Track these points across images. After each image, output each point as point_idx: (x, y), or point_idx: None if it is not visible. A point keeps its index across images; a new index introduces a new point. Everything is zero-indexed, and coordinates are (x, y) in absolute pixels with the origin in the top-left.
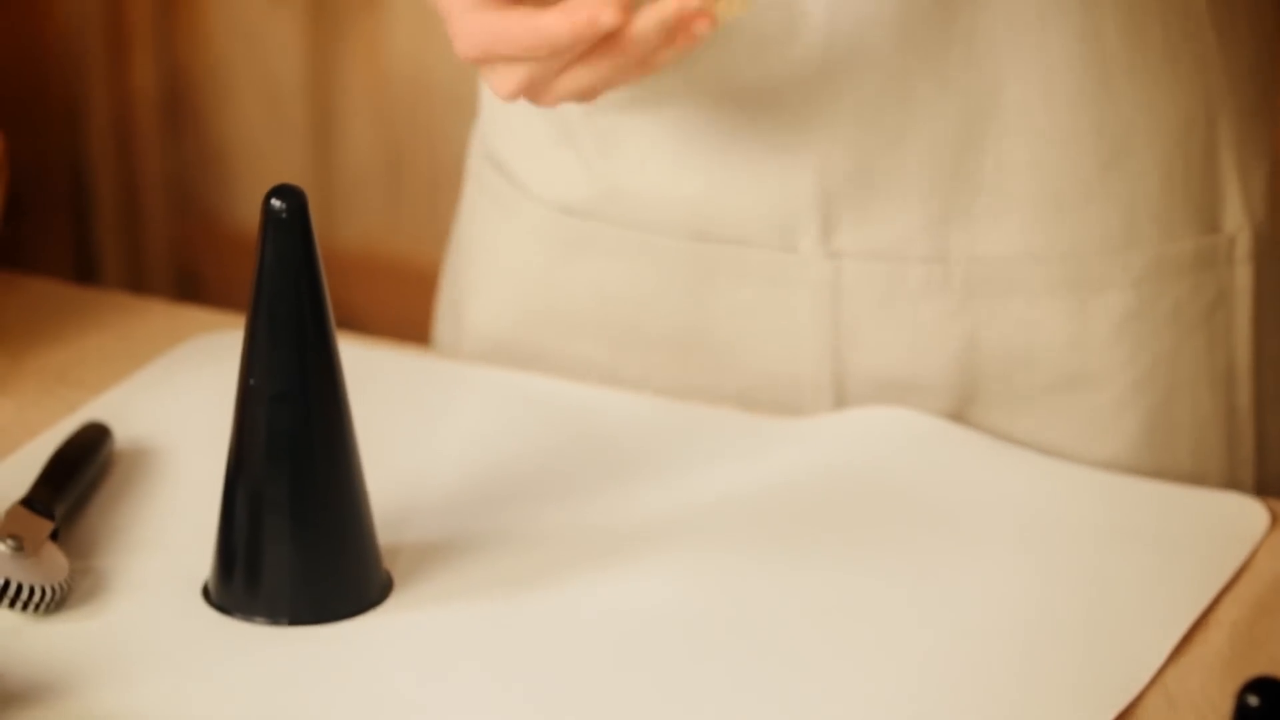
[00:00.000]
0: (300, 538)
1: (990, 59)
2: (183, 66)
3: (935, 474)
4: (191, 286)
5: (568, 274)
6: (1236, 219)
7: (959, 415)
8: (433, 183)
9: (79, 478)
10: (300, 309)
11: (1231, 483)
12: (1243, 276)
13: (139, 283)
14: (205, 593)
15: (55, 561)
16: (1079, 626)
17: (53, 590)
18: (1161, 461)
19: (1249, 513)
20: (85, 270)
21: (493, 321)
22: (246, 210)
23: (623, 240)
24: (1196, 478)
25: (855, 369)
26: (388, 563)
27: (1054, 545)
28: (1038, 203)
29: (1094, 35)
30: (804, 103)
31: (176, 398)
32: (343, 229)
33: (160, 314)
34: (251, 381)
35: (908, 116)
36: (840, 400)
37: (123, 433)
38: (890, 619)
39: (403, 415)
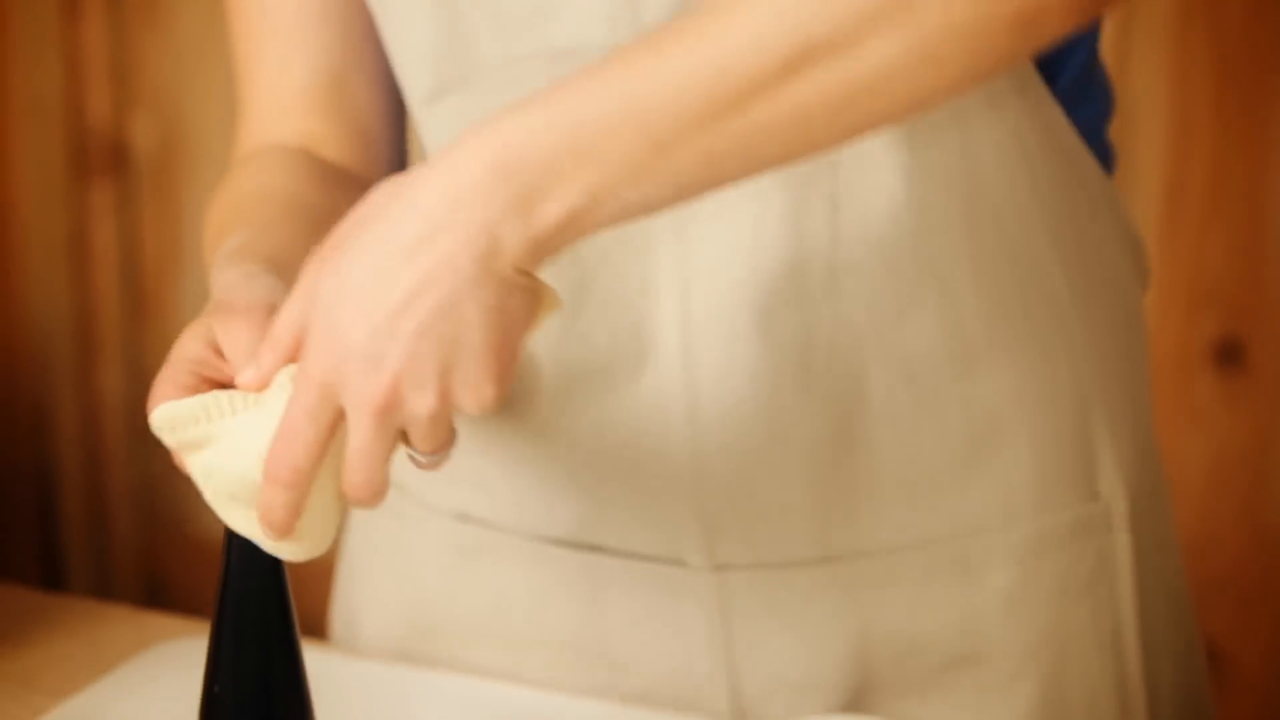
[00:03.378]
0: None
1: (852, 357)
2: (151, 372)
3: None
4: (159, 592)
5: (465, 580)
6: (1112, 486)
7: (857, 706)
8: None
9: None
10: (265, 616)
11: None
12: (1122, 542)
13: (106, 588)
14: None
15: None
16: None
17: None
18: None
19: None
20: (52, 575)
21: (389, 632)
22: (213, 517)
23: (520, 549)
24: None
25: (751, 673)
26: None
27: None
28: (914, 490)
29: (954, 326)
30: (672, 427)
31: (141, 705)
32: None
33: (126, 620)
34: (216, 689)
35: (779, 426)
36: (737, 698)
37: None
38: None
39: None
